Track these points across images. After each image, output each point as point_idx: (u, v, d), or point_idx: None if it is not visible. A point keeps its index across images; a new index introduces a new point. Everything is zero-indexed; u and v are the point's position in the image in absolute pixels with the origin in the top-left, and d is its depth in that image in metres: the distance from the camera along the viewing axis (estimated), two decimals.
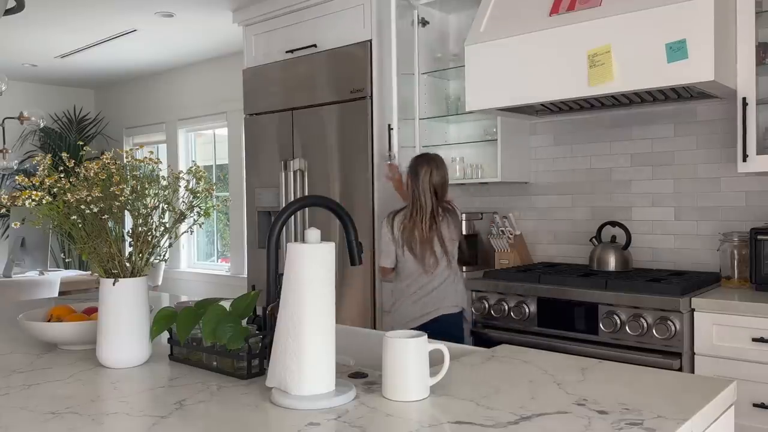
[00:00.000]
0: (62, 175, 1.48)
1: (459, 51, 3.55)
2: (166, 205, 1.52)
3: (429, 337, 2.47)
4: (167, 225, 1.53)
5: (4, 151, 5.31)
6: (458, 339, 2.77)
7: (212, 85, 6.05)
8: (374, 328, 3.43)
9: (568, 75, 2.63)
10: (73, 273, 5.21)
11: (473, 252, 3.52)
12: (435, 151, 3.70)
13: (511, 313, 2.87)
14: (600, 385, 1.30)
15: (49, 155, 1.56)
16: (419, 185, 2.78)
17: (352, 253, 1.46)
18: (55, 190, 1.45)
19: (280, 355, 1.21)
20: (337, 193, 3.64)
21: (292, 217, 3.78)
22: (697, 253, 3.01)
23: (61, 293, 4.62)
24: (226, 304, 1.44)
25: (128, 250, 1.51)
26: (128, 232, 1.51)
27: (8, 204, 1.56)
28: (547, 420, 1.09)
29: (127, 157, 1.55)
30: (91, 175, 1.47)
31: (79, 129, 7.07)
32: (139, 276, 1.50)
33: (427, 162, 2.82)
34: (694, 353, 2.43)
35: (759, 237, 2.55)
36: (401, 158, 3.47)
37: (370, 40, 3.35)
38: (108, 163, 1.47)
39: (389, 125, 3.34)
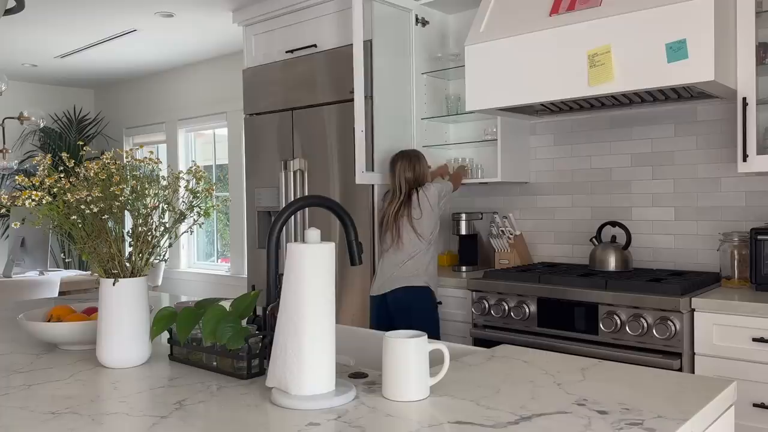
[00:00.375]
0: (62, 175, 1.48)
1: (459, 51, 3.55)
2: (166, 205, 1.52)
3: (388, 306, 2.74)
4: (167, 225, 1.53)
5: (4, 151, 5.31)
6: (423, 312, 3.03)
7: (212, 85, 6.05)
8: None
9: (568, 75, 2.63)
10: (73, 273, 5.21)
11: (473, 252, 3.53)
12: (435, 151, 3.71)
13: (511, 313, 2.87)
14: (600, 385, 1.30)
15: (49, 155, 1.56)
16: (394, 179, 3.13)
17: (352, 253, 1.46)
18: (55, 190, 1.45)
19: (280, 355, 1.21)
20: (337, 193, 3.64)
21: (292, 217, 3.78)
22: (697, 253, 3.01)
23: (61, 293, 4.63)
24: (226, 304, 1.44)
25: (128, 250, 1.51)
26: (128, 232, 1.51)
27: (8, 204, 1.56)
28: (547, 420, 1.09)
29: (127, 157, 1.55)
30: (91, 175, 1.47)
31: (79, 129, 7.08)
32: (139, 276, 1.50)
33: (403, 159, 3.14)
34: (694, 353, 2.44)
35: (759, 237, 2.55)
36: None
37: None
38: (108, 163, 1.47)
39: (361, 129, 3.31)
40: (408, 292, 3.02)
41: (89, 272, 5.23)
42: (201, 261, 6.61)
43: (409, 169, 3.09)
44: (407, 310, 3.02)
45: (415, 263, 3.04)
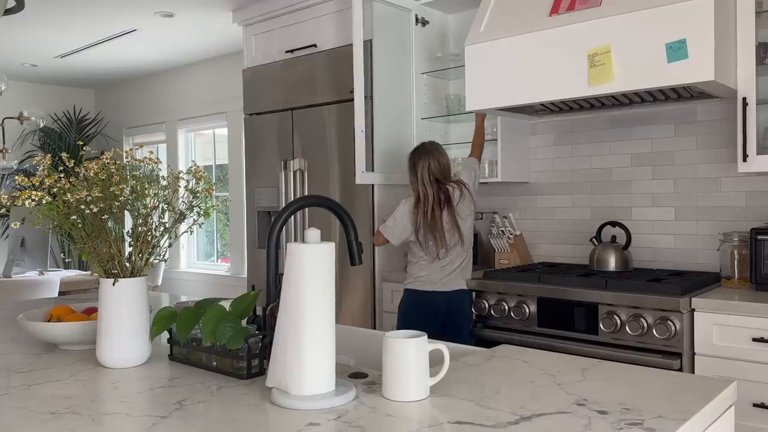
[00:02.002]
0: (62, 175, 1.48)
1: (459, 51, 3.55)
2: (166, 205, 1.52)
3: (441, 304, 2.74)
4: (167, 225, 1.53)
5: (4, 151, 5.31)
6: (467, 314, 2.97)
7: (212, 85, 6.05)
8: (374, 328, 3.43)
9: (568, 75, 2.63)
10: (73, 273, 5.20)
11: (473, 252, 3.53)
12: None
13: (511, 313, 2.87)
14: (600, 385, 1.30)
15: (49, 155, 1.56)
16: (417, 179, 2.89)
17: (352, 253, 1.47)
18: (55, 190, 1.45)
19: (280, 355, 1.21)
20: (337, 193, 3.64)
21: (292, 217, 3.78)
22: (697, 253, 3.01)
23: (61, 293, 4.62)
24: (227, 304, 1.44)
25: (128, 250, 1.51)
26: (128, 232, 1.51)
27: (8, 204, 1.56)
28: (547, 420, 1.09)
29: (126, 157, 1.55)
30: (91, 175, 1.47)
31: (78, 129, 7.08)
32: (139, 276, 1.50)
33: (423, 155, 2.90)
34: (694, 353, 2.44)
35: (759, 237, 2.55)
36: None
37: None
38: (108, 163, 1.47)
39: (361, 129, 3.31)
40: (466, 294, 2.96)
41: (89, 272, 5.23)
42: (201, 261, 6.61)
43: (434, 166, 2.86)
44: (462, 312, 2.95)
45: (469, 261, 3.00)
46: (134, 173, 1.50)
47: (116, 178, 1.45)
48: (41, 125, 5.48)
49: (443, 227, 2.85)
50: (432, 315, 2.90)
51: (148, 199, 1.50)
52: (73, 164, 1.52)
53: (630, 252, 3.05)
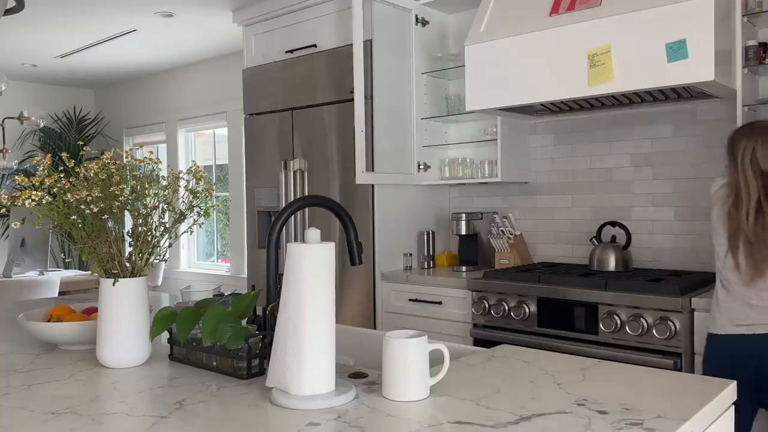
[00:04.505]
0: (62, 175, 1.48)
1: (459, 51, 3.55)
2: (166, 205, 1.52)
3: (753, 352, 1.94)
4: (167, 225, 1.53)
5: (4, 151, 5.31)
6: None
7: (212, 85, 6.05)
8: (374, 328, 3.43)
9: (568, 75, 2.63)
10: (73, 273, 5.20)
11: (473, 252, 3.53)
12: (435, 151, 3.70)
13: (511, 313, 2.87)
14: (600, 385, 1.30)
15: (49, 155, 1.56)
16: (737, 166, 2.09)
17: (352, 253, 1.47)
18: (55, 190, 1.45)
19: (279, 355, 1.21)
20: (337, 193, 3.64)
21: (292, 217, 3.78)
22: (697, 253, 3.01)
23: (61, 293, 4.62)
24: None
25: (128, 250, 1.51)
26: (128, 232, 1.51)
27: (8, 204, 1.56)
28: (547, 420, 1.09)
29: (127, 157, 1.55)
30: (91, 175, 1.47)
31: (79, 129, 7.08)
32: (139, 276, 1.50)
33: (747, 135, 2.10)
34: (694, 353, 2.43)
35: None
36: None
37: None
38: (108, 163, 1.47)
39: (361, 129, 3.31)
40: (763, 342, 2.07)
41: (89, 272, 5.23)
42: (201, 261, 6.62)
43: (760, 152, 2.05)
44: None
45: None
46: (134, 173, 1.50)
47: (116, 178, 1.45)
48: (41, 125, 5.48)
49: (761, 245, 2.06)
50: (743, 371, 2.00)
51: (148, 199, 1.50)
52: (73, 164, 1.52)
53: (630, 252, 3.05)
